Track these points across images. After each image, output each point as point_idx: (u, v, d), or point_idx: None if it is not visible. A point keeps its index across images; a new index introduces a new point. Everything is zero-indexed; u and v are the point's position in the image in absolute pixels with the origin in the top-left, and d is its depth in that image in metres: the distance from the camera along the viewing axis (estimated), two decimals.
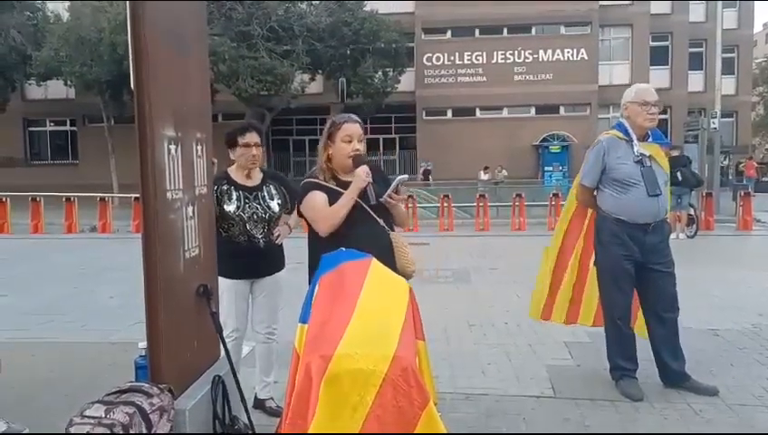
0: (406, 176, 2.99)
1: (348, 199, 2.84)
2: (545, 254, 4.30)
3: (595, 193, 3.98)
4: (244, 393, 2.97)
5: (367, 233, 2.85)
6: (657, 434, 3.34)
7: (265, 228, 3.49)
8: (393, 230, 3.01)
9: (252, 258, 3.45)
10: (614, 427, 3.43)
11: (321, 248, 2.78)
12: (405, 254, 2.93)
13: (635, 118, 3.81)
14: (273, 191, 3.57)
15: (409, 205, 14.11)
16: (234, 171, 3.51)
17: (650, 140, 3.88)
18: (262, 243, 3.48)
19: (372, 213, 2.88)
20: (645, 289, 3.90)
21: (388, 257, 2.84)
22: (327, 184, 2.94)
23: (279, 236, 3.56)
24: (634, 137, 3.80)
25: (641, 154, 3.77)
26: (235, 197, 3.42)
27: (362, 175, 2.85)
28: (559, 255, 4.21)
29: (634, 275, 3.85)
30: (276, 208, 3.53)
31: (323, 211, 2.88)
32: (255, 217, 3.45)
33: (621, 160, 3.78)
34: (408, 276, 2.95)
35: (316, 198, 2.92)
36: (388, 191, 2.87)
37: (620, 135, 3.85)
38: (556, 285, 4.22)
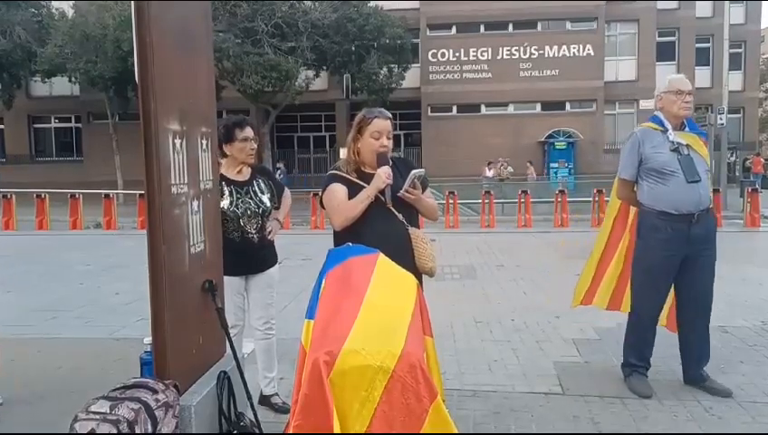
0: (422, 170, 2.96)
1: (364, 197, 2.84)
2: (592, 253, 4.24)
3: (635, 189, 3.91)
4: (250, 390, 2.94)
5: (383, 228, 2.84)
6: (668, 434, 3.29)
7: (258, 223, 3.48)
8: (416, 225, 2.99)
9: (246, 254, 3.43)
10: (624, 424, 3.39)
11: (340, 241, 2.79)
12: (423, 250, 2.90)
13: (670, 107, 3.75)
14: (263, 186, 3.56)
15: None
16: (224, 167, 3.47)
17: (687, 129, 3.79)
18: (256, 238, 3.46)
19: (391, 208, 2.87)
20: (682, 285, 3.81)
21: (405, 253, 2.83)
22: (348, 177, 2.94)
23: (271, 231, 3.55)
24: (669, 126, 3.74)
25: (678, 142, 3.70)
26: (227, 193, 3.39)
27: (383, 176, 2.84)
28: (604, 250, 4.13)
29: (673, 274, 3.76)
30: (268, 203, 3.53)
31: (340, 205, 2.88)
32: (249, 212, 3.43)
33: (657, 150, 3.72)
34: (426, 273, 2.94)
35: (336, 191, 2.92)
36: (405, 186, 2.86)
37: (655, 126, 3.79)
38: (600, 275, 4.15)
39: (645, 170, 3.77)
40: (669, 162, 3.68)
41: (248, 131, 3.46)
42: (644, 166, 3.76)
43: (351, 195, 2.88)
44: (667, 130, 3.74)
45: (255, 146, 3.50)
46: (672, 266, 3.74)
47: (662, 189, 3.70)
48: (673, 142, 3.71)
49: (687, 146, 3.73)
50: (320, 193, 3.07)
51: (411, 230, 2.92)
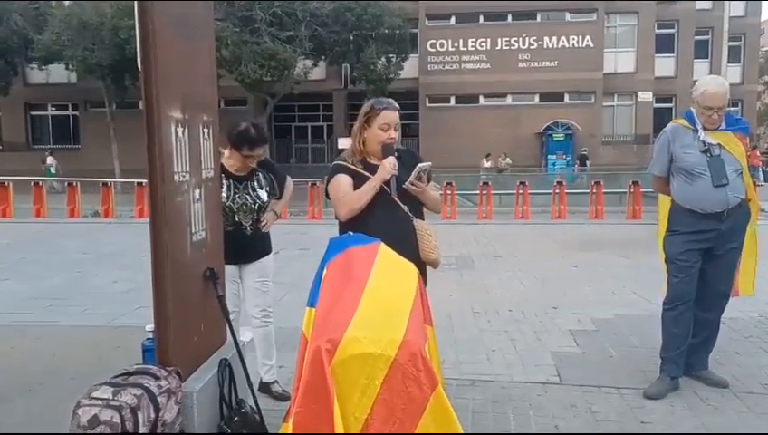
0: (429, 163, 2.96)
1: (369, 189, 2.85)
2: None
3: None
4: (250, 377, 2.96)
5: (387, 218, 2.85)
6: (668, 434, 3.29)
7: (254, 217, 3.52)
8: (421, 216, 3.01)
9: (238, 245, 3.45)
10: (620, 414, 3.42)
11: (345, 231, 2.81)
12: (428, 241, 2.91)
13: (698, 115, 3.70)
14: (263, 180, 3.58)
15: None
16: (225, 159, 3.48)
17: (723, 127, 3.72)
18: (249, 230, 3.51)
19: (396, 199, 2.88)
20: (704, 272, 3.77)
21: (409, 244, 2.85)
22: (354, 167, 2.94)
23: (266, 224, 3.58)
24: (699, 126, 3.69)
25: (708, 143, 3.65)
26: (225, 186, 3.41)
27: (388, 168, 2.84)
28: None
29: (698, 264, 3.72)
30: (265, 197, 3.55)
31: (345, 196, 2.89)
32: (245, 207, 3.48)
33: (686, 150, 3.68)
34: (431, 264, 2.95)
35: (340, 182, 2.93)
36: (410, 178, 2.86)
37: (686, 124, 3.75)
38: None
39: (675, 168, 3.75)
40: (697, 163, 3.63)
41: (257, 151, 3.46)
42: (674, 164, 3.75)
43: (356, 185, 2.89)
44: (697, 130, 3.69)
45: (258, 159, 3.52)
46: (696, 257, 3.71)
47: (689, 189, 3.67)
48: (703, 143, 3.66)
49: (719, 145, 3.65)
50: (324, 184, 3.07)
51: (416, 222, 2.93)
